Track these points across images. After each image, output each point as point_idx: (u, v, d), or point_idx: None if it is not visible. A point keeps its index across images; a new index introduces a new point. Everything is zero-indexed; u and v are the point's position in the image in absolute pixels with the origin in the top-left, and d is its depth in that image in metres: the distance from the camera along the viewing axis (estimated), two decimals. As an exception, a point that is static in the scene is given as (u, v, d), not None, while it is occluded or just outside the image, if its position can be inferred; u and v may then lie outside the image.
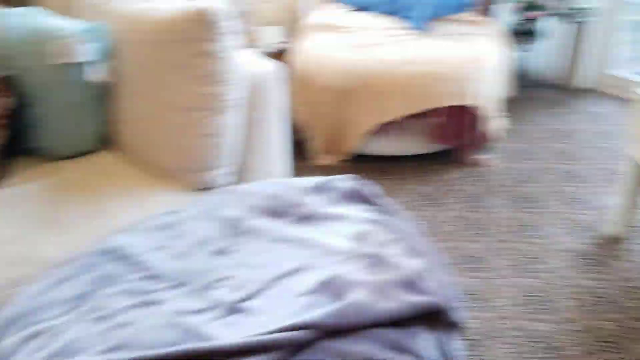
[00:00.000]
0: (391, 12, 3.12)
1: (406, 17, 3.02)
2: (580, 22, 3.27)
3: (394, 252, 1.34)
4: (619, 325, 1.95)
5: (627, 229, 2.37)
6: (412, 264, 1.29)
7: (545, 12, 3.25)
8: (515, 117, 3.35)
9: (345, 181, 1.54)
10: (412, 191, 2.71)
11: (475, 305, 2.05)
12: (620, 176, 2.29)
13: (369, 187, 1.57)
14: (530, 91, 3.65)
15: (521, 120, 3.33)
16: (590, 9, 3.23)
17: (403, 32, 3.00)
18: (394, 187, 2.75)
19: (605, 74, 3.61)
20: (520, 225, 2.46)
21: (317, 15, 3.26)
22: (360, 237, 1.37)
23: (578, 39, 3.46)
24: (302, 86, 2.85)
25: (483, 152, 2.99)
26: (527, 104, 3.51)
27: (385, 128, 2.80)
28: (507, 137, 3.14)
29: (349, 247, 1.34)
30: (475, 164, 2.90)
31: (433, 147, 2.91)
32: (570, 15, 3.26)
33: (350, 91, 2.73)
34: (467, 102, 2.75)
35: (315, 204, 1.46)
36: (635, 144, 1.95)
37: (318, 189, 1.50)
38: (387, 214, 1.48)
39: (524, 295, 2.09)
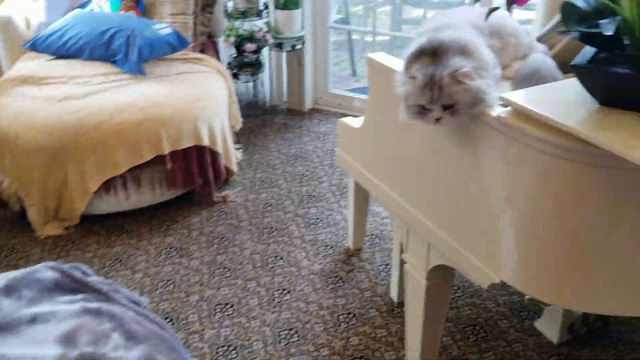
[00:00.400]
0: (102, 57, 2.92)
1: (119, 62, 2.85)
2: (294, 50, 3.44)
3: (111, 346, 1.18)
4: (369, 337, 2.04)
5: (362, 240, 2.52)
6: (132, 356, 1.15)
7: (260, 44, 3.35)
8: (252, 147, 3.40)
9: (45, 271, 1.33)
10: (154, 246, 2.56)
11: (234, 356, 1.98)
12: (348, 192, 2.43)
13: (75, 270, 1.39)
14: (261, 119, 3.74)
15: (257, 149, 3.38)
16: (299, 37, 3.42)
17: (118, 77, 2.83)
18: (135, 245, 2.56)
19: (326, 93, 3.87)
20: (269, 258, 2.46)
21: (18, 68, 2.92)
22: (69, 338, 1.19)
23: (297, 64, 3.64)
24: (7, 150, 2.51)
25: (225, 189, 2.95)
26: (260, 132, 3.58)
27: (115, 183, 2.60)
28: (246, 169, 3.16)
29: (57, 354, 1.14)
30: (219, 201, 2.85)
31: (173, 193, 2.79)
32: (283, 44, 3.41)
33: (64, 150, 2.48)
34: (198, 141, 2.68)
35: (8, 308, 1.23)
36: (341, 160, 2.07)
37: (10, 290, 1.27)
38: (101, 299, 1.32)
39: (279, 332, 2.08)
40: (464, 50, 1.26)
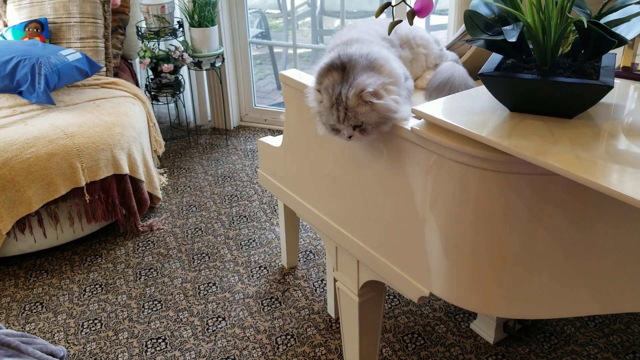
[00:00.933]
0: (7, 89, 2.75)
1: (25, 92, 2.70)
2: (214, 67, 3.37)
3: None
4: (308, 357, 1.99)
5: (297, 257, 2.48)
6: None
7: (177, 64, 3.25)
8: (177, 170, 3.29)
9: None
10: (78, 283, 2.42)
11: (167, 393, 1.89)
12: (278, 210, 2.38)
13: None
14: (186, 141, 3.64)
15: (184, 171, 3.28)
16: (218, 54, 3.35)
17: (26, 109, 2.67)
18: (57, 285, 2.41)
19: (251, 109, 3.81)
20: (201, 285, 2.37)
21: None
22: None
23: (217, 83, 3.57)
24: None
25: (151, 217, 2.84)
26: (186, 154, 3.48)
27: (29, 221, 2.45)
28: (173, 194, 3.06)
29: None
30: (145, 231, 2.74)
31: (95, 226, 2.66)
32: (202, 63, 3.33)
33: (-30, 191, 2.31)
34: (117, 171, 2.57)
35: None
36: (264, 180, 2.02)
37: None
38: (10, 354, 1.21)
39: (215, 363, 2.00)
40: (372, 66, 1.24)
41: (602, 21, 1.04)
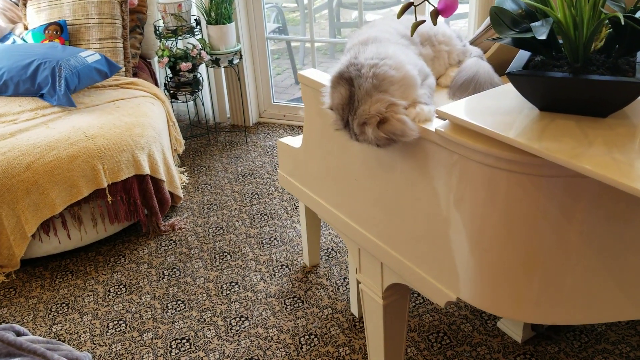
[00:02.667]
0: (28, 92, 2.77)
1: (46, 95, 2.71)
2: (232, 65, 3.35)
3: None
4: (332, 357, 1.98)
5: (318, 255, 2.46)
6: None
7: (195, 62, 3.24)
8: (197, 169, 3.29)
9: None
10: (102, 284, 2.43)
11: (192, 395, 1.89)
12: (299, 208, 2.36)
13: (8, 332, 1.28)
14: (205, 139, 3.63)
15: (203, 170, 3.28)
16: (236, 51, 3.33)
17: (47, 112, 2.69)
18: (82, 286, 2.43)
19: (270, 105, 3.79)
20: (223, 285, 2.37)
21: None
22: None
23: (236, 79, 3.55)
24: None
25: (172, 216, 2.85)
26: (206, 152, 3.48)
27: (54, 223, 2.46)
28: (193, 193, 3.05)
29: None
30: (167, 231, 2.75)
31: (117, 227, 2.67)
32: (219, 60, 3.32)
33: (-6, 195, 2.33)
34: (138, 171, 2.57)
35: None
36: (284, 181, 2.00)
37: None
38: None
39: (239, 364, 1.99)
40: (379, 85, 1.20)
41: (638, 15, 0.99)
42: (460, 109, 1.13)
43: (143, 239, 2.71)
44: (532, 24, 1.01)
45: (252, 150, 3.46)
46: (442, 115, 1.14)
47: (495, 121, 1.07)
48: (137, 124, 2.66)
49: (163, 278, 2.44)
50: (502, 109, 1.12)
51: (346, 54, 1.32)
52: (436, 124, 1.18)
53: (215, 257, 2.55)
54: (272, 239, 2.64)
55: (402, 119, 1.16)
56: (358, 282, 1.69)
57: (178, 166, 3.20)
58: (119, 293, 2.37)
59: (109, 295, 2.37)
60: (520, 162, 1.04)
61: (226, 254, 2.57)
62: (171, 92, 3.34)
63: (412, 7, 1.04)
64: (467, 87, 1.33)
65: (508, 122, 1.06)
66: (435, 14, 1.02)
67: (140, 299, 2.33)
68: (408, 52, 1.30)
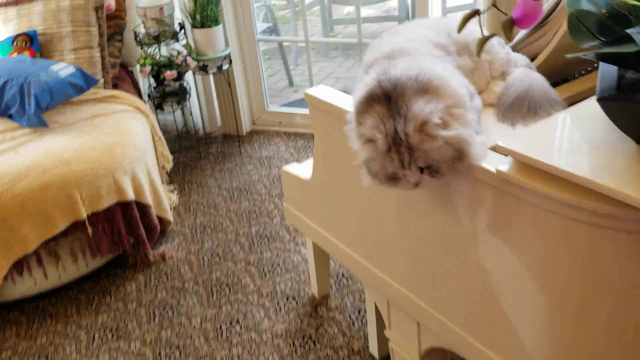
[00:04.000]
0: (-5, 112, 2.48)
1: (15, 115, 2.42)
2: (221, 70, 3.07)
3: None
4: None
5: (328, 284, 2.19)
6: None
7: (181, 70, 2.96)
8: (188, 186, 3.01)
9: None
10: (88, 329, 2.15)
11: None
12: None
13: None
14: (195, 151, 3.35)
15: (194, 187, 3.00)
16: (225, 55, 3.05)
17: (17, 134, 2.40)
18: (62, 333, 2.15)
19: (264, 112, 3.52)
20: (222, 324, 2.10)
21: None
22: None
23: (226, 86, 3.27)
24: None
25: (163, 244, 2.57)
26: (196, 166, 3.20)
27: (28, 261, 2.18)
28: (185, 214, 2.78)
29: None
30: (158, 260, 2.47)
31: (101, 261, 2.39)
32: (207, 66, 3.03)
33: (-44, 235, 2.05)
34: (121, 197, 2.29)
35: None
36: (291, 216, 1.72)
37: None
38: None
39: None
40: (427, 87, 0.94)
41: None
42: (530, 143, 0.87)
43: (130, 272, 2.43)
44: (630, 31, 0.74)
45: (247, 162, 3.18)
46: (506, 153, 0.87)
47: (582, 162, 0.80)
48: (118, 144, 2.38)
49: (154, 319, 2.17)
50: (587, 143, 0.85)
51: (368, 70, 1.05)
52: (493, 159, 0.91)
53: (212, 291, 2.28)
54: (274, 266, 2.37)
55: (467, 125, 0.90)
56: (387, 339, 1.42)
57: (166, 184, 2.92)
58: (104, 340, 2.10)
59: (93, 342, 2.09)
60: (615, 217, 0.77)
61: (224, 286, 2.30)
62: (156, 102, 3.05)
63: (477, 15, 0.78)
64: (520, 107, 1.06)
65: (600, 163, 0.80)
66: (509, 25, 0.76)
67: (129, 347, 2.06)
68: (447, 66, 1.03)
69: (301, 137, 3.38)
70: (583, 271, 0.85)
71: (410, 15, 4.78)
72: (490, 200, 0.94)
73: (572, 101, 1.16)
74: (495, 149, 0.91)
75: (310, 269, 2.16)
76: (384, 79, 0.97)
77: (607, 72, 0.83)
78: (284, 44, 4.48)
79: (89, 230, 2.23)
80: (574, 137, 0.88)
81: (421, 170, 0.93)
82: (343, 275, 2.28)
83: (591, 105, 0.98)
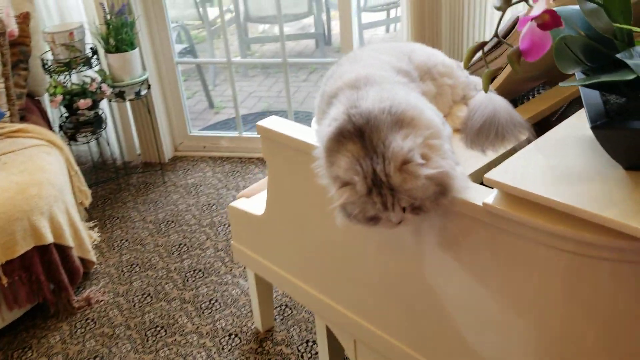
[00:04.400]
0: None
1: None
2: (139, 96, 2.90)
3: None
4: None
5: (272, 317, 2.09)
6: None
7: (95, 98, 2.76)
8: (109, 221, 2.81)
9: None
10: (6, 390, 1.93)
11: None
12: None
13: None
14: (116, 183, 3.14)
15: (118, 222, 2.80)
16: (142, 80, 2.88)
17: None
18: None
19: (186, 136, 3.37)
20: (162, 370, 1.95)
21: None
22: None
23: (145, 112, 3.10)
24: None
25: (88, 287, 2.37)
26: (118, 199, 3.00)
27: None
28: (109, 252, 2.58)
29: None
30: (83, 306, 2.27)
31: (20, 311, 2.16)
32: (124, 93, 2.85)
33: None
34: (39, 241, 2.09)
35: None
36: (241, 255, 1.61)
37: None
38: None
39: None
40: (402, 120, 0.88)
41: None
42: (515, 174, 0.82)
43: (53, 322, 2.21)
44: (622, 57, 0.71)
45: (173, 192, 3.02)
46: (494, 185, 0.82)
47: (575, 191, 0.76)
48: (32, 183, 2.16)
49: (84, 373, 1.98)
50: (575, 171, 0.82)
51: (332, 101, 0.97)
52: (473, 191, 0.86)
53: (146, 335, 2.11)
54: (212, 302, 2.24)
55: (446, 155, 0.85)
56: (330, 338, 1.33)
57: (86, 221, 2.71)
58: (28, 402, 1.89)
59: (15, 406, 1.87)
60: (613, 248, 0.74)
61: (159, 328, 2.14)
62: (69, 134, 2.83)
63: (481, 50, 0.72)
64: (488, 132, 1.03)
65: (594, 193, 0.76)
66: (516, 56, 0.71)
67: (58, 407, 1.86)
68: (415, 94, 0.98)
69: (228, 161, 3.26)
70: (587, 304, 0.82)
71: (326, 33, 4.78)
72: (473, 233, 0.89)
73: (532, 122, 1.14)
74: (482, 181, 0.86)
75: (253, 301, 2.05)
76: (354, 113, 0.90)
77: (589, 97, 0.80)
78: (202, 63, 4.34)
79: (4, 280, 2.01)
80: (561, 165, 0.84)
81: (403, 209, 0.87)
82: (287, 305, 2.18)
83: (565, 129, 0.95)
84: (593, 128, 0.75)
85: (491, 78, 0.75)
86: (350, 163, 0.87)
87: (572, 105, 1.29)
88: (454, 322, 0.98)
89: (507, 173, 0.83)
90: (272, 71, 4.59)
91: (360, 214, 0.89)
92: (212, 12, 4.57)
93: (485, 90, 0.78)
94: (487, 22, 2.35)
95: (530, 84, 1.37)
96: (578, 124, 0.94)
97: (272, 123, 1.21)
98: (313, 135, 1.10)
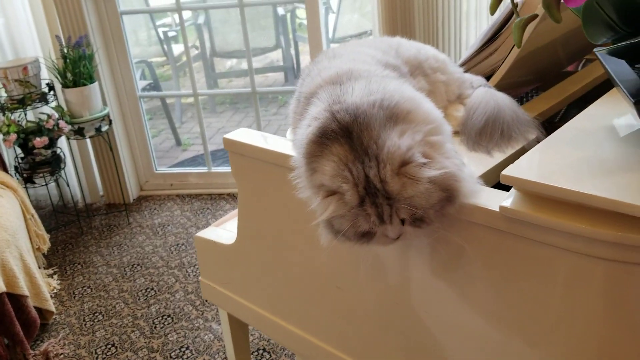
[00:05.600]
0: None
1: None
2: (100, 132, 2.73)
3: None
4: None
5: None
6: None
7: (53, 134, 2.58)
8: (70, 267, 2.60)
9: None
10: None
11: None
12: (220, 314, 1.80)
13: None
14: (78, 226, 2.93)
15: (80, 267, 2.59)
16: (103, 116, 2.72)
17: None
18: None
19: (151, 174, 3.19)
20: None
21: None
22: None
23: (109, 148, 2.92)
24: None
25: (45, 339, 2.14)
26: (79, 243, 2.79)
27: None
28: (69, 301, 2.37)
29: None
30: (43, 359, 2.04)
31: (-36, 370, 1.93)
32: (84, 129, 2.68)
33: None
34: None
35: None
36: (210, 293, 1.43)
37: None
38: None
39: None
40: (396, 114, 0.75)
41: None
42: (538, 169, 0.69)
43: (5, 382, 1.98)
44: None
45: (138, 233, 2.82)
46: (518, 185, 0.68)
47: (614, 184, 0.63)
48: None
49: None
50: (609, 163, 0.69)
51: (310, 101, 0.83)
52: (488, 196, 0.72)
53: (111, 391, 1.90)
54: (183, 349, 2.04)
55: (451, 154, 0.71)
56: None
57: (44, 268, 2.50)
58: None
59: None
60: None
61: (125, 382, 1.93)
62: (25, 175, 2.64)
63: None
64: (492, 132, 0.90)
65: (626, 183, 0.63)
66: (555, 2, 0.58)
67: None
68: (409, 86, 0.84)
69: (197, 198, 3.09)
70: (609, 317, 0.68)
71: (295, 66, 4.70)
72: (485, 245, 0.75)
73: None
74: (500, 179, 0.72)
75: (227, 347, 1.85)
76: (338, 109, 0.76)
77: (621, 73, 0.68)
78: (168, 100, 4.20)
79: (-54, 337, 1.78)
80: (592, 157, 0.71)
81: (402, 221, 0.72)
82: (264, 349, 2.00)
83: (584, 121, 0.83)
84: (637, 103, 0.63)
85: (524, 28, 0.62)
86: (336, 168, 0.73)
87: (572, 107, 1.19)
88: (470, 354, 0.83)
89: (530, 169, 0.69)
90: (240, 106, 4.47)
91: (350, 229, 0.74)
92: (177, 49, 4.45)
93: (518, 45, 0.65)
94: (462, 19, 2.28)
95: (524, 88, 1.26)
96: (598, 114, 0.82)
97: (240, 135, 1.06)
98: (288, 146, 0.96)
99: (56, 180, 2.94)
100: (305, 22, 2.78)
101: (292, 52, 4.69)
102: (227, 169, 3.17)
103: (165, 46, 4.54)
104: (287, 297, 1.15)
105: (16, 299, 2.01)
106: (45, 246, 2.45)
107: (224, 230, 1.33)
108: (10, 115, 2.56)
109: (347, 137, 0.74)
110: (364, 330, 1.00)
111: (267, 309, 1.22)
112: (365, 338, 1.01)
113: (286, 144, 0.97)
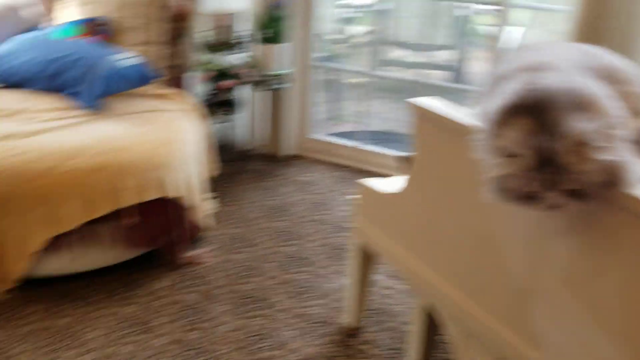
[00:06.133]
0: (54, 89, 2.47)
1: (73, 95, 2.40)
2: (275, 89, 3.06)
3: None
4: None
5: (363, 315, 2.10)
6: None
7: (239, 81, 2.95)
8: (225, 196, 2.96)
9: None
10: (111, 317, 2.07)
11: None
12: (348, 256, 2.02)
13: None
14: (236, 165, 3.31)
15: (231, 199, 2.95)
16: (282, 74, 3.04)
17: (72, 114, 2.38)
18: (88, 316, 2.07)
19: (306, 138, 3.49)
20: (248, 337, 2.01)
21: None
22: None
23: (276, 105, 3.26)
24: None
25: (195, 247, 2.50)
26: (234, 179, 3.16)
27: (63, 240, 2.12)
28: (219, 223, 2.72)
29: None
30: (188, 263, 2.40)
31: (133, 253, 2.32)
32: (264, 82, 3.02)
33: (2, 199, 2.00)
34: (165, 193, 2.24)
35: None
36: (362, 234, 1.64)
37: None
38: None
39: None
40: (581, 103, 0.88)
41: None
42: None
43: (161, 269, 2.36)
44: None
45: (285, 184, 3.13)
46: None
47: None
48: (169, 141, 2.34)
49: (182, 319, 2.08)
50: None
51: (500, 82, 1.00)
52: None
53: (242, 302, 2.20)
54: (307, 289, 2.29)
55: (623, 149, 0.84)
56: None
57: (209, 191, 2.88)
58: (130, 331, 2.01)
59: (117, 331, 2.01)
60: None
61: (255, 299, 2.22)
62: (210, 110, 3.03)
63: None
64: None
65: None
66: None
67: (153, 342, 1.97)
68: (596, 83, 0.98)
69: (341, 169, 3.34)
70: None
71: (461, 68, 4.78)
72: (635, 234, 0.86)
73: None
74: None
75: (348, 296, 2.08)
76: (531, 89, 0.92)
77: None
78: (330, 77, 4.49)
79: (128, 220, 2.17)
80: None
81: (565, 192, 0.87)
82: (380, 310, 2.19)
83: None
84: None
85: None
86: (520, 136, 0.88)
87: None
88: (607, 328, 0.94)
89: None
90: (399, 96, 4.65)
91: (517, 189, 0.90)
92: (352, 30, 4.70)
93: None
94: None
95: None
96: None
97: (430, 103, 1.25)
98: (468, 117, 1.12)
99: (226, 122, 3.32)
100: (481, 27, 2.89)
101: (460, 54, 4.79)
102: (375, 149, 3.37)
103: (342, 26, 4.82)
104: (439, 249, 1.29)
105: (181, 208, 2.35)
106: (215, 173, 2.81)
107: (380, 183, 1.53)
108: (208, 56, 2.95)
109: (534, 114, 0.89)
110: (506, 290, 1.11)
111: (417, 256, 1.37)
112: (507, 299, 1.12)
113: (466, 114, 1.13)
